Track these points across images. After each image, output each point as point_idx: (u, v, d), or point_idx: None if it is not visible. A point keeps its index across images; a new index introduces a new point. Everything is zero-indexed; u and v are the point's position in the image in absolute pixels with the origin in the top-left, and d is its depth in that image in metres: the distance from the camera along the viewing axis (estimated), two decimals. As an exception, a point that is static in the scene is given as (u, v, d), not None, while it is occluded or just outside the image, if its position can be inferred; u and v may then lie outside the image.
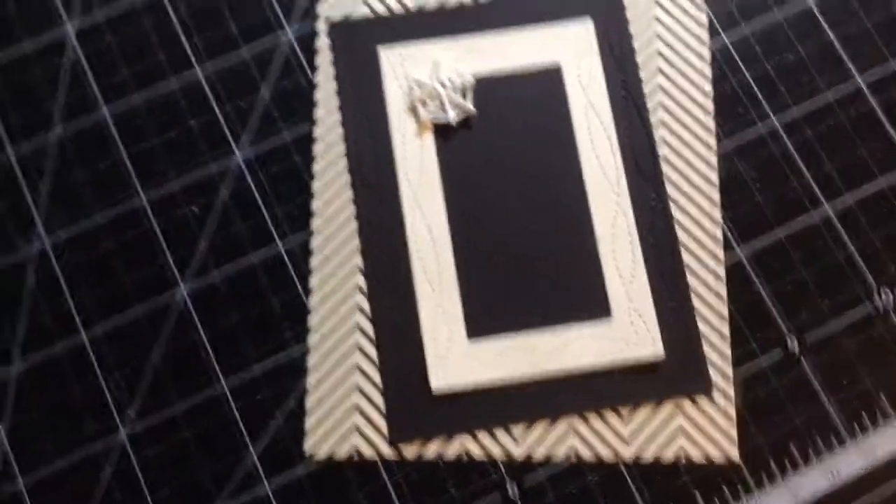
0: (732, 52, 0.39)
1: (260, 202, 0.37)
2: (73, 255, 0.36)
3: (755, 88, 0.38)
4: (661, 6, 0.39)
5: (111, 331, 0.35)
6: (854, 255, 0.36)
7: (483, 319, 0.35)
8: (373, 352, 0.35)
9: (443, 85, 0.37)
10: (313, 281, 0.36)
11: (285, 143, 0.37)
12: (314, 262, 0.36)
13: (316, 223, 0.36)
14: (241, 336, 0.35)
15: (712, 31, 0.39)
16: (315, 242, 0.36)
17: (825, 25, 0.39)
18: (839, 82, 0.38)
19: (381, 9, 0.38)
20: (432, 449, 0.34)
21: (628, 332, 0.35)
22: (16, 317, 0.35)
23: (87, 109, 0.37)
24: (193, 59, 0.38)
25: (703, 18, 0.39)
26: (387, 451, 0.34)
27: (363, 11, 0.38)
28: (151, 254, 0.36)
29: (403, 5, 0.39)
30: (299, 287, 0.36)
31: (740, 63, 0.38)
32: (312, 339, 0.35)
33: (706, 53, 0.38)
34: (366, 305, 0.36)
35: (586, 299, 0.36)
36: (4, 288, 0.35)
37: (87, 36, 0.38)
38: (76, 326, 0.35)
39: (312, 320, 0.36)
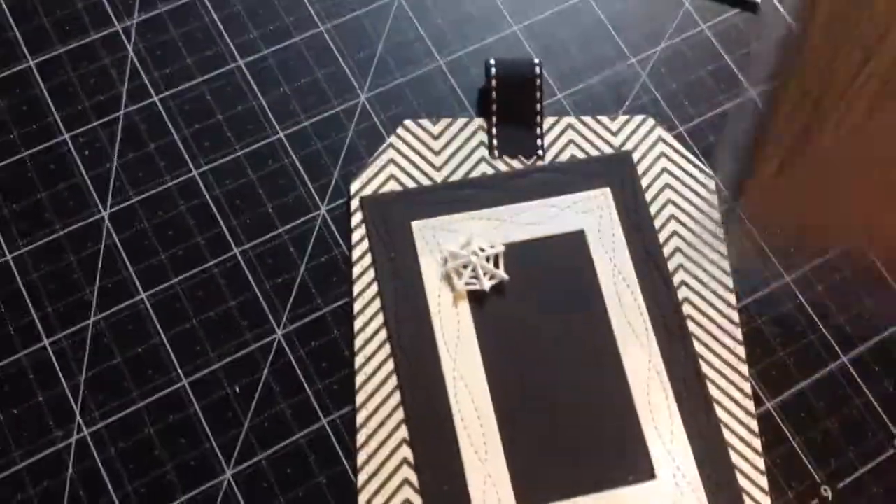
0: (741, 214, 0.43)
1: (302, 379, 0.39)
2: (115, 438, 0.37)
3: (766, 248, 0.43)
4: (673, 175, 0.44)
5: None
6: (872, 402, 0.40)
7: (531, 487, 0.37)
8: (426, 528, 0.37)
9: (475, 255, 0.40)
10: (360, 457, 0.38)
11: (325, 319, 0.40)
12: (360, 437, 0.38)
13: (360, 398, 0.39)
14: (292, 520, 0.37)
15: (722, 195, 0.44)
16: (360, 418, 0.38)
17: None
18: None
19: (409, 183, 0.42)
20: None
21: (674, 492, 0.38)
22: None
23: (125, 294, 0.39)
24: (232, 243, 0.41)
25: (712, 184, 0.44)
26: None
27: (393, 186, 0.42)
28: (195, 438, 0.37)
29: (431, 179, 0.42)
30: (346, 464, 0.38)
31: (750, 225, 0.43)
32: (364, 518, 0.37)
33: (717, 216, 0.43)
34: (414, 478, 0.37)
35: (631, 462, 0.38)
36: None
37: (120, 219, 0.41)
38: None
39: (362, 498, 0.37)
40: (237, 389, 0.39)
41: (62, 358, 0.39)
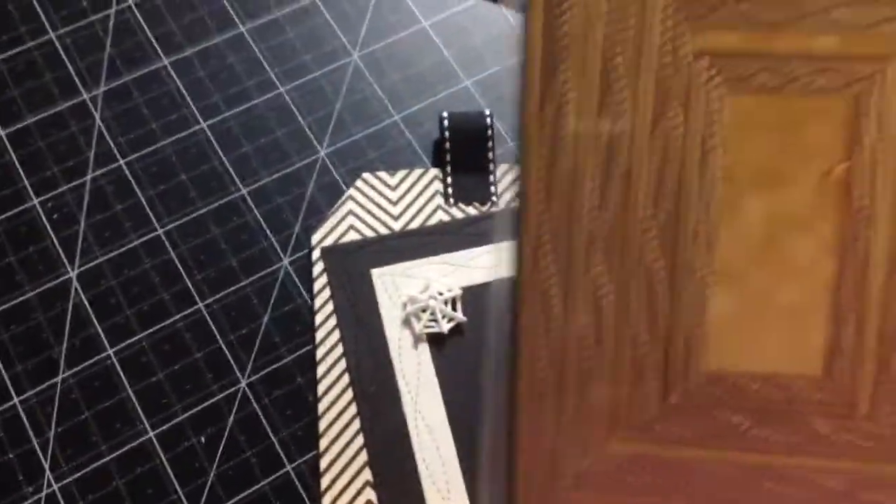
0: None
1: (267, 427, 0.40)
2: (85, 492, 0.38)
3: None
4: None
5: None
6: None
7: (495, 524, 0.38)
8: (391, 569, 0.38)
9: (434, 298, 0.42)
10: (325, 501, 0.39)
11: (288, 367, 0.41)
12: (324, 482, 0.39)
13: (323, 443, 0.40)
14: (258, 566, 0.37)
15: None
16: (324, 462, 0.39)
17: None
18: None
19: (368, 232, 0.44)
20: None
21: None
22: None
23: (93, 351, 0.41)
24: (197, 297, 0.42)
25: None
26: None
27: (353, 237, 0.44)
28: (161, 489, 0.38)
29: (389, 228, 0.44)
30: (311, 509, 0.39)
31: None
32: (330, 561, 0.38)
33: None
34: (378, 521, 0.38)
35: (591, 494, 0.39)
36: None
37: (87, 278, 0.42)
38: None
39: (327, 542, 0.38)
40: (203, 439, 0.40)
41: (32, 415, 0.40)
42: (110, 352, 0.41)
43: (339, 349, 0.42)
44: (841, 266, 0.27)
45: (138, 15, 0.48)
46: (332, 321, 0.42)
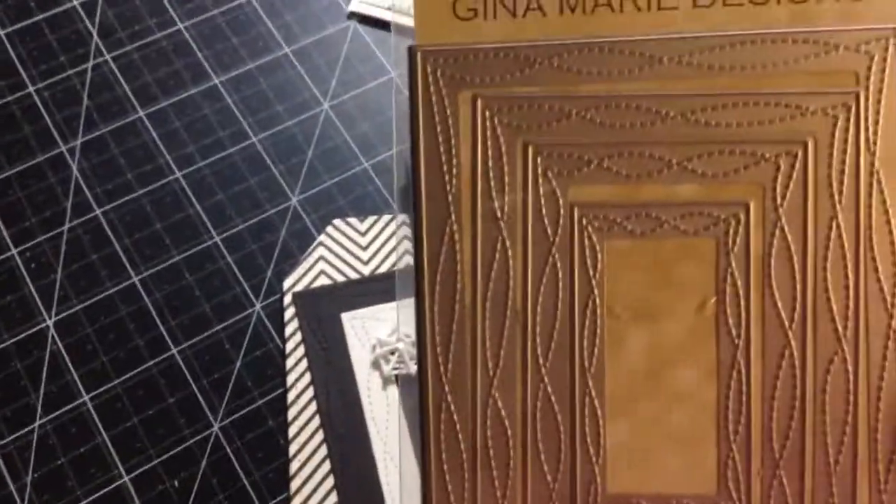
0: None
1: (239, 470, 0.41)
2: (57, 543, 0.39)
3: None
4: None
5: None
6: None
7: (462, 562, 0.40)
8: None
9: (402, 340, 0.44)
10: (296, 542, 0.40)
11: (260, 410, 0.43)
12: (296, 523, 0.40)
13: (294, 485, 0.41)
14: None
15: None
16: None
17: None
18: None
19: (339, 277, 0.46)
20: None
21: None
22: None
23: (69, 397, 0.42)
24: (171, 343, 0.44)
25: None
26: None
27: (324, 282, 0.46)
28: (136, 533, 0.40)
29: (359, 272, 0.46)
30: (282, 550, 0.40)
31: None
32: None
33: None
34: (348, 561, 0.40)
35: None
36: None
37: (64, 326, 0.44)
38: None
39: (298, 583, 0.39)
40: (176, 483, 0.41)
41: (9, 461, 0.41)
42: (86, 398, 0.43)
43: (310, 392, 0.43)
44: (722, 392, 0.29)
45: (115, 68, 0.51)
46: (304, 364, 0.44)
